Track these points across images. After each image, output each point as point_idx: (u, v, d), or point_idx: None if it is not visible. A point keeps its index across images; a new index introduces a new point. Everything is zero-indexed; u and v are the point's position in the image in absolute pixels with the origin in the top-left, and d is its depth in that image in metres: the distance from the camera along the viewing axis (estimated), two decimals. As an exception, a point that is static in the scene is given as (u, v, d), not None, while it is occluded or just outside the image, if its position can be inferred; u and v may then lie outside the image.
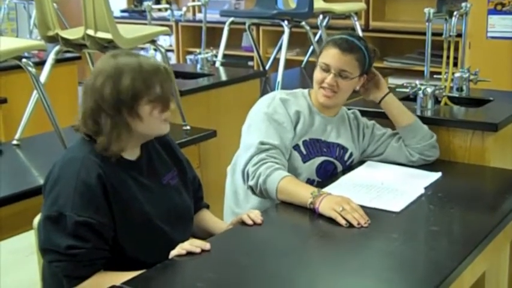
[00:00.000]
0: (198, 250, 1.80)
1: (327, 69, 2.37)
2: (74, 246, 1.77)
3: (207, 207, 2.23)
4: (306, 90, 2.51)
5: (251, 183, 2.25)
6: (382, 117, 2.62)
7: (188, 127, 3.22)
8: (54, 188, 1.83)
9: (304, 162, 2.40)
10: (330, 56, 2.37)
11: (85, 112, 1.88)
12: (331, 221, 2.01)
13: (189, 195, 2.09)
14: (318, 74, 2.41)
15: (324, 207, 2.04)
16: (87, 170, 1.82)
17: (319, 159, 2.43)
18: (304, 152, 2.40)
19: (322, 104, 2.43)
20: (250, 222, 1.99)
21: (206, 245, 1.82)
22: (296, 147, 2.39)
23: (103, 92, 1.84)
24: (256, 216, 2.01)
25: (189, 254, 1.80)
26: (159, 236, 1.91)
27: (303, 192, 2.12)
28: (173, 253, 1.81)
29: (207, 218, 2.18)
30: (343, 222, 1.98)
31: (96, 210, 1.80)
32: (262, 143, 2.28)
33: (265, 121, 2.34)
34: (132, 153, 1.95)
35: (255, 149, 2.27)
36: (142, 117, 1.88)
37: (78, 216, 1.77)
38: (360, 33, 4.77)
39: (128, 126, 1.88)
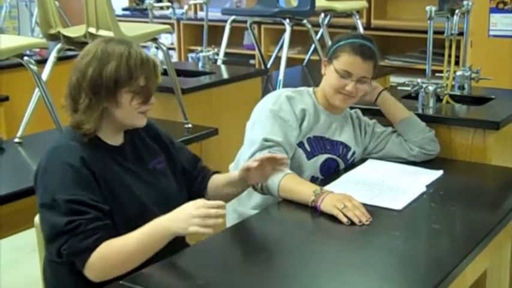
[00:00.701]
0: (219, 221, 1.76)
1: (347, 76, 2.37)
2: (73, 220, 1.77)
3: (218, 172, 2.23)
4: (310, 89, 2.52)
5: (253, 179, 2.25)
6: (382, 115, 2.63)
7: (190, 125, 3.23)
8: (43, 177, 1.85)
9: (309, 159, 2.40)
10: (352, 64, 2.36)
11: (67, 87, 1.91)
12: (333, 218, 2.01)
13: (178, 180, 2.09)
14: (335, 80, 2.38)
15: (326, 204, 2.04)
16: (71, 155, 1.84)
17: (323, 157, 2.43)
18: (309, 149, 2.41)
19: (339, 107, 2.43)
20: (255, 164, 2.01)
21: (219, 210, 1.76)
22: (300, 144, 2.39)
23: (86, 72, 1.86)
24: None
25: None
26: (149, 215, 1.89)
27: (305, 190, 2.12)
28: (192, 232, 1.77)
29: (220, 176, 2.19)
30: (344, 219, 1.98)
31: (86, 189, 1.81)
32: (265, 140, 2.28)
33: (271, 118, 2.34)
34: (115, 139, 1.96)
35: (258, 145, 2.28)
36: (121, 105, 1.89)
37: (70, 196, 1.78)
38: (362, 32, 4.78)
39: (104, 110, 1.90)
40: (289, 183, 2.17)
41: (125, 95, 1.88)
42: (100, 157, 1.89)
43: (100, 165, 1.86)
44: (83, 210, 1.78)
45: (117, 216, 1.85)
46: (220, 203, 1.78)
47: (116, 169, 1.91)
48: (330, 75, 2.41)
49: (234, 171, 2.48)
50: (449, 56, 2.99)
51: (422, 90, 2.85)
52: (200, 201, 1.79)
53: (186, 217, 1.76)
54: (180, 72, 3.78)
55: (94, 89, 1.86)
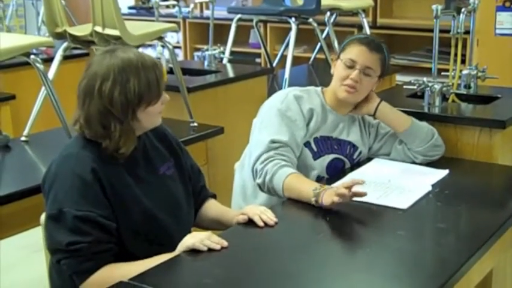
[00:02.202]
0: (217, 247, 1.81)
1: (351, 65, 2.38)
2: (74, 242, 1.78)
3: (214, 196, 2.22)
4: (319, 88, 2.52)
5: (259, 181, 2.26)
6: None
7: (195, 124, 3.23)
8: (53, 186, 1.85)
9: (315, 159, 2.40)
10: (357, 52, 2.38)
11: (91, 116, 1.87)
12: (339, 217, 2.01)
13: (186, 185, 2.09)
14: (341, 71, 2.40)
15: (327, 200, 2.05)
16: (82, 165, 1.84)
17: (329, 157, 2.43)
18: (315, 149, 2.41)
19: (343, 99, 2.42)
20: (261, 224, 1.98)
21: (224, 242, 1.83)
22: (307, 144, 2.39)
23: (112, 97, 1.84)
24: (270, 218, 1.99)
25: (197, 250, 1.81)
26: (159, 228, 1.93)
27: (307, 190, 2.12)
28: (190, 246, 1.80)
29: (214, 207, 2.18)
30: (344, 191, 2.00)
31: (94, 204, 1.81)
32: (272, 141, 2.29)
33: (278, 117, 2.35)
34: None
35: (265, 147, 2.28)
36: (143, 116, 1.90)
37: (77, 211, 1.79)
38: (368, 30, 4.78)
39: (133, 128, 1.90)
40: (293, 183, 2.18)
41: (147, 106, 1.89)
42: (110, 167, 1.88)
43: (110, 175, 1.86)
44: (87, 230, 1.79)
45: (125, 226, 1.86)
46: (225, 243, 1.83)
47: (126, 178, 1.90)
48: (337, 69, 2.43)
49: (239, 170, 2.49)
50: (455, 54, 2.99)
51: (428, 89, 2.84)
52: (215, 238, 1.83)
53: (197, 238, 1.81)
54: (186, 71, 3.78)
55: (124, 112, 1.86)
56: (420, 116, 2.66)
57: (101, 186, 1.84)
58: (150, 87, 1.87)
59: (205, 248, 1.80)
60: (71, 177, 1.83)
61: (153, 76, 1.88)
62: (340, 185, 2.05)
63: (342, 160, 2.47)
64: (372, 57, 2.39)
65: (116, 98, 1.84)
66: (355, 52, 2.39)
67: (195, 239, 1.81)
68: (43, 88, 2.93)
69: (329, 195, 2.04)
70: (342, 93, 2.41)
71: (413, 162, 2.51)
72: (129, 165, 1.93)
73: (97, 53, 1.94)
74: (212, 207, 2.18)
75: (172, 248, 1.84)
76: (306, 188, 2.13)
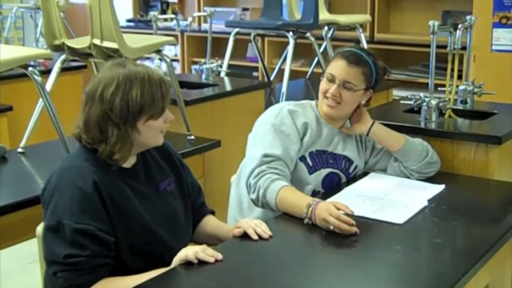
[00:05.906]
0: (211, 260, 1.81)
1: (332, 79, 2.39)
2: (72, 255, 1.77)
3: (212, 212, 2.22)
4: (313, 102, 2.52)
5: (252, 196, 2.26)
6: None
7: (192, 137, 3.23)
8: (52, 198, 1.84)
9: (311, 173, 2.40)
10: (336, 67, 2.40)
11: (89, 119, 1.88)
12: (334, 232, 2.01)
13: (186, 201, 2.09)
14: (323, 85, 2.43)
15: (319, 217, 2.05)
16: (83, 178, 1.83)
17: (325, 171, 2.43)
18: (311, 164, 2.41)
19: (326, 113, 2.44)
20: (255, 237, 1.98)
21: (219, 255, 1.83)
22: (302, 158, 2.40)
23: (113, 102, 1.85)
24: (264, 231, 1.99)
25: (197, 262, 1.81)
26: (158, 243, 1.92)
27: (299, 205, 2.12)
28: (183, 258, 1.81)
29: (213, 223, 2.18)
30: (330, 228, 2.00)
31: (93, 217, 1.81)
32: (265, 156, 2.29)
33: (272, 132, 2.35)
34: (128, 161, 1.95)
35: (257, 161, 2.28)
36: (143, 129, 1.90)
37: (76, 224, 1.78)
38: (365, 45, 4.79)
39: (131, 137, 1.90)
40: (285, 197, 2.18)
41: (147, 119, 1.89)
42: (112, 180, 1.88)
43: (111, 189, 1.86)
44: (85, 244, 1.78)
45: (123, 240, 1.86)
46: (220, 256, 1.83)
47: (126, 193, 1.90)
48: (321, 83, 2.45)
49: (236, 183, 2.49)
50: (452, 70, 3.00)
51: (425, 104, 2.84)
52: (210, 251, 1.84)
53: (191, 251, 1.82)
54: (183, 84, 3.79)
55: (123, 118, 1.86)
56: (417, 131, 2.67)
57: (101, 200, 1.83)
58: (153, 100, 1.88)
59: (196, 260, 1.80)
60: (72, 189, 1.82)
61: (158, 90, 1.89)
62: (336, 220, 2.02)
63: (337, 174, 2.47)
64: (350, 71, 2.38)
65: (117, 103, 1.85)
66: (335, 66, 2.41)
67: (189, 251, 1.81)
68: (40, 100, 2.93)
69: (320, 212, 2.03)
70: (324, 107, 2.43)
71: (409, 179, 2.52)
72: (130, 180, 1.93)
73: (107, 64, 1.95)
74: (209, 223, 2.18)
75: (170, 263, 1.84)
76: (298, 202, 2.13)
